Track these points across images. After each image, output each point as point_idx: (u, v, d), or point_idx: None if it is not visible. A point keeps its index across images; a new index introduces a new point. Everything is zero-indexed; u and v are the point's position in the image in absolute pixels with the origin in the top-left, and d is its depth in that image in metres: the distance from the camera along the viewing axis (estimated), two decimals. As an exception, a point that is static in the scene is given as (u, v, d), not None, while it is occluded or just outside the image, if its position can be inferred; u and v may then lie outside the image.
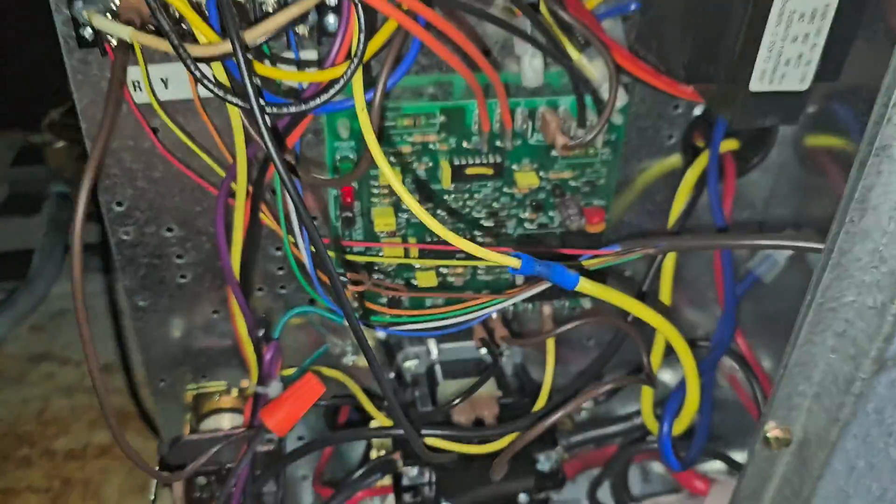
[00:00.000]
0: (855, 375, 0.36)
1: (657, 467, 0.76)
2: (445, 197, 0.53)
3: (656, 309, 0.49)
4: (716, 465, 0.69)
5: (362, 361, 0.61)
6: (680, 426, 0.59)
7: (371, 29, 0.37)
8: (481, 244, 0.39)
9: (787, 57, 0.40)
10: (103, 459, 0.93)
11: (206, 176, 0.48)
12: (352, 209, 0.52)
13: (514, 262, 0.39)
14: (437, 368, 0.61)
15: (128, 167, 0.48)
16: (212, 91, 0.37)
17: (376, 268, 0.55)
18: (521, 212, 0.55)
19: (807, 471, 0.40)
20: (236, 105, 0.38)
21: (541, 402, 0.58)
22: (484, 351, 0.58)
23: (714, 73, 0.42)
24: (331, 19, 0.40)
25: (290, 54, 0.42)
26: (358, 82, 0.37)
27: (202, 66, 0.36)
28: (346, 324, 0.41)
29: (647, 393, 0.62)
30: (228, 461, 0.56)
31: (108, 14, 0.38)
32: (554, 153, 0.52)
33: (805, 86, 0.41)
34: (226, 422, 0.59)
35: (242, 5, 0.40)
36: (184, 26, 0.38)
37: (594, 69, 0.47)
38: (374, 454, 0.59)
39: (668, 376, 0.68)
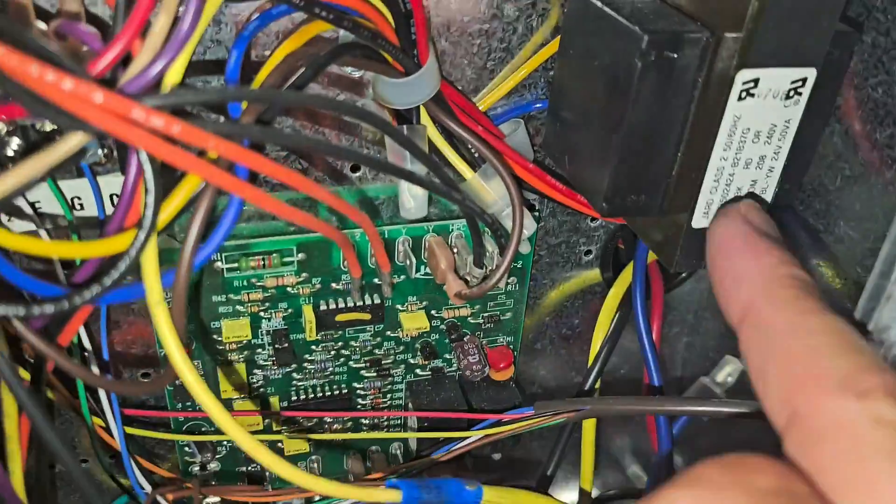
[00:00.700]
0: None
1: None
2: (313, 348, 0.42)
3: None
4: None
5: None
6: None
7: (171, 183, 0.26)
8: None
9: (738, 185, 0.31)
10: None
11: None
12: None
13: (393, 497, 0.28)
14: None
15: None
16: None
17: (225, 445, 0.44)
18: (411, 356, 0.44)
19: None
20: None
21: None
22: None
23: (644, 206, 0.32)
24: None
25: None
26: (150, 260, 0.25)
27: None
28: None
29: None
30: None
31: None
32: (447, 285, 0.42)
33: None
34: None
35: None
36: None
37: (492, 190, 0.37)
38: None
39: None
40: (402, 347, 0.43)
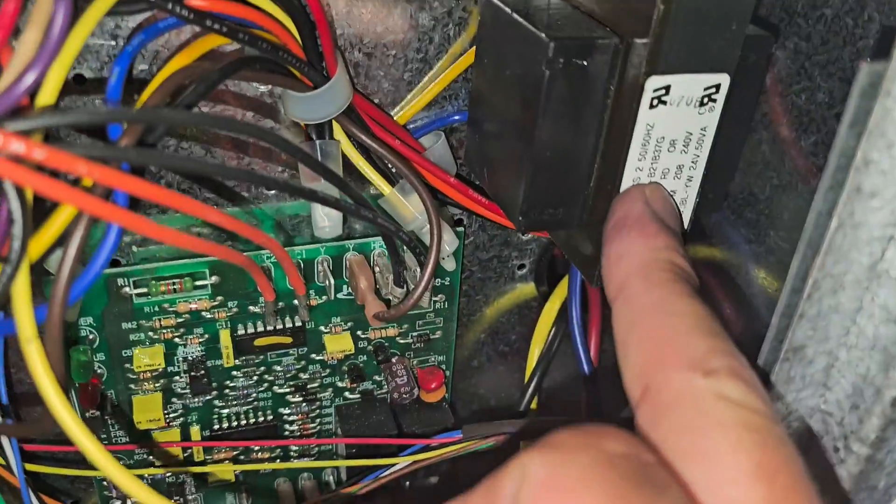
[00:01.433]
0: None
1: None
2: (234, 374, 0.40)
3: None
4: None
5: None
6: None
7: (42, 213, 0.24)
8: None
9: (656, 196, 0.30)
10: None
11: None
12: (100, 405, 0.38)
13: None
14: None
15: None
16: None
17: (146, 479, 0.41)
18: (338, 380, 0.42)
19: None
20: None
21: None
22: None
23: (563, 219, 0.31)
24: None
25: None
26: (21, 295, 0.24)
27: None
28: None
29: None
30: None
31: None
32: (374, 304, 0.40)
33: (683, 227, 0.31)
34: None
35: None
36: None
37: (411, 205, 0.35)
38: None
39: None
40: (327, 371, 0.41)
